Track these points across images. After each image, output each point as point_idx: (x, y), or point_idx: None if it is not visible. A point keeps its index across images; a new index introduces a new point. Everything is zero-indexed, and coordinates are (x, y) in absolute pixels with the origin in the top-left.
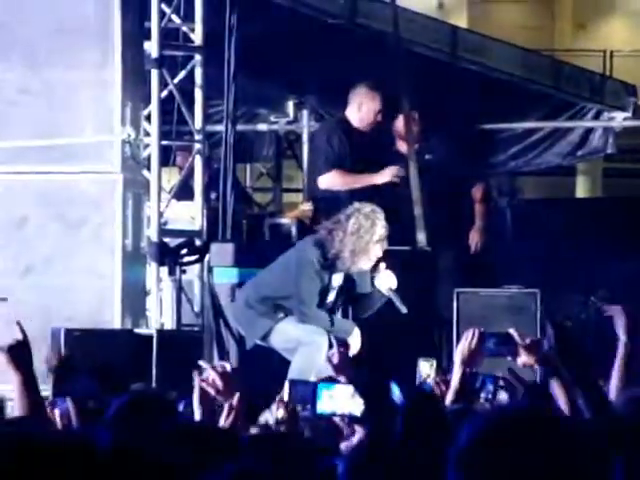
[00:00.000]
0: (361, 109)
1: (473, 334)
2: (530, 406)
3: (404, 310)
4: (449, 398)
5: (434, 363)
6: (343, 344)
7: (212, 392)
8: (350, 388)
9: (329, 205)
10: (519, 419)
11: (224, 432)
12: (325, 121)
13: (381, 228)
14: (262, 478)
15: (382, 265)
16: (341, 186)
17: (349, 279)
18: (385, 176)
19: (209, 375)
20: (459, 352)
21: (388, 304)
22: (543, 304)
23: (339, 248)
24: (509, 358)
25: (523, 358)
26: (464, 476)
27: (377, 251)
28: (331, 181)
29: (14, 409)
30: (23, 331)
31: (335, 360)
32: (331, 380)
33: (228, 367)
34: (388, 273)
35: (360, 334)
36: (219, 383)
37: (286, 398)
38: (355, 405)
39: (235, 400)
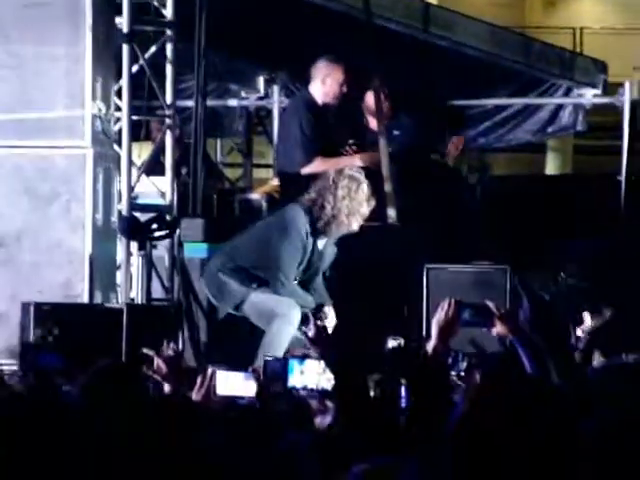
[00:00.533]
0: (325, 83)
1: (449, 304)
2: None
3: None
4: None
5: (402, 342)
6: (320, 317)
7: (159, 378)
8: (321, 363)
9: (303, 182)
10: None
11: (195, 404)
12: (292, 101)
13: (366, 187)
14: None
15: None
16: (320, 171)
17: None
18: (365, 161)
19: (156, 362)
20: (435, 322)
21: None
22: (513, 280)
23: (333, 213)
24: (484, 329)
25: (498, 328)
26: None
27: (366, 210)
28: (314, 169)
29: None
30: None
31: (311, 333)
32: (303, 356)
33: (171, 352)
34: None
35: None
36: (163, 368)
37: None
38: (326, 380)
39: (208, 374)
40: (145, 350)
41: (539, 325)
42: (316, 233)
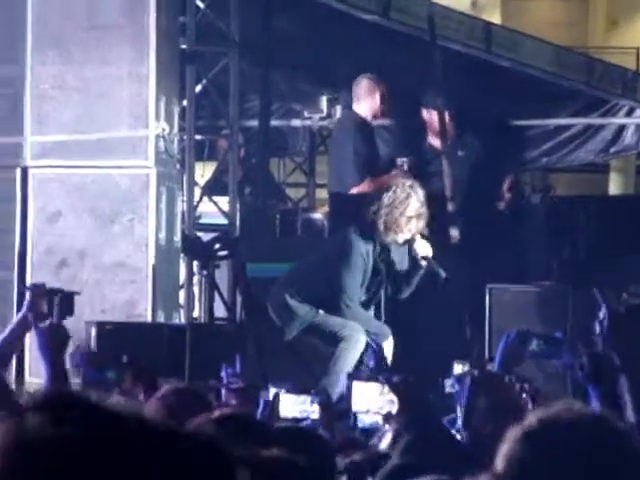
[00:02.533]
0: (369, 99)
1: (517, 334)
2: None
3: (443, 274)
4: None
5: (468, 365)
6: (378, 346)
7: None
8: (380, 386)
9: (353, 202)
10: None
11: (259, 423)
12: (340, 122)
13: (416, 202)
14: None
15: (417, 235)
16: (369, 191)
17: (388, 259)
18: (398, 178)
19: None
20: (499, 353)
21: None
22: (574, 300)
23: (372, 219)
24: (554, 361)
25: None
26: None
27: (411, 225)
28: (364, 189)
29: None
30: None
31: (371, 363)
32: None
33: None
34: (423, 242)
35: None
36: (233, 402)
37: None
38: (387, 402)
39: (270, 395)
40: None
41: (615, 340)
42: (373, 244)
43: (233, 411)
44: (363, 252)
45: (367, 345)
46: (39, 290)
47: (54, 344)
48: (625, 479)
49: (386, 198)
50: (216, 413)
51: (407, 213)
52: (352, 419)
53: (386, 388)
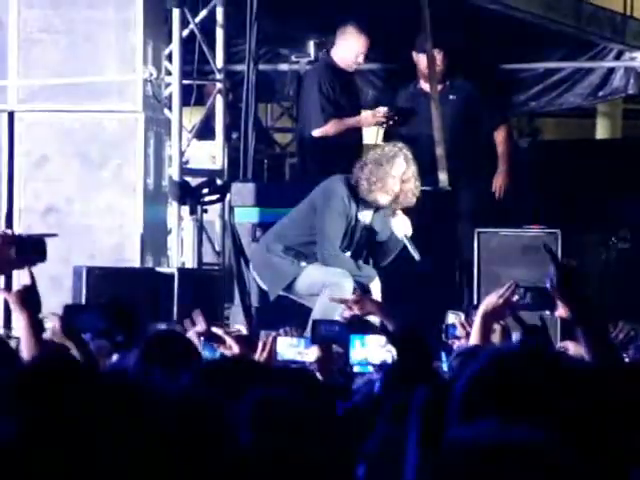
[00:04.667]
0: (345, 48)
1: (507, 289)
2: (527, 346)
3: (417, 257)
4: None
5: (462, 316)
6: (363, 291)
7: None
8: (381, 338)
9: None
10: (517, 357)
11: (258, 364)
12: (314, 65)
13: (402, 162)
14: (286, 405)
15: (398, 210)
16: (333, 134)
17: (369, 227)
18: (369, 120)
19: (227, 341)
20: (484, 304)
21: (405, 253)
22: (563, 244)
23: (358, 175)
24: (547, 312)
25: (561, 311)
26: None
27: (394, 186)
28: (327, 131)
29: (22, 349)
30: (32, 276)
31: (346, 315)
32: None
33: (243, 330)
34: (404, 218)
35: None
36: (235, 349)
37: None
38: (387, 354)
39: (269, 339)
40: (215, 329)
41: (564, 295)
42: (355, 202)
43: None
44: (346, 201)
45: (354, 290)
46: (6, 238)
47: (24, 300)
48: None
49: (374, 153)
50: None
51: (392, 172)
52: (350, 368)
53: (383, 339)
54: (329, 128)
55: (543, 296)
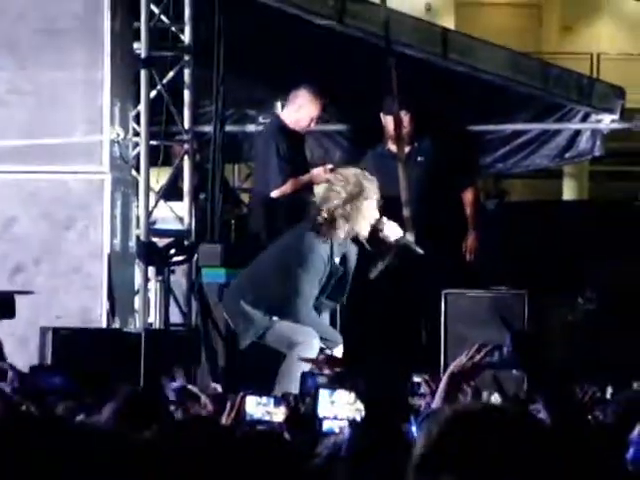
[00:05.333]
0: (300, 111)
1: (475, 351)
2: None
3: (420, 251)
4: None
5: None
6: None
7: (204, 413)
8: (351, 394)
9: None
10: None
11: (225, 428)
12: (265, 127)
13: (371, 186)
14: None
15: (384, 218)
16: (290, 192)
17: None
18: (322, 176)
19: (202, 400)
20: (453, 365)
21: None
22: (530, 305)
23: (330, 216)
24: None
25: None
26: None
27: (374, 213)
28: (283, 191)
29: None
30: None
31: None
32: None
33: (219, 389)
34: (392, 224)
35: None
36: (210, 407)
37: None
38: (355, 411)
39: (237, 399)
40: (191, 387)
41: (521, 361)
42: (332, 251)
43: (196, 415)
44: (324, 255)
45: (320, 350)
46: None
47: None
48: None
49: (342, 191)
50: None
51: (369, 200)
52: (317, 424)
53: (353, 396)
54: (287, 188)
55: (511, 355)
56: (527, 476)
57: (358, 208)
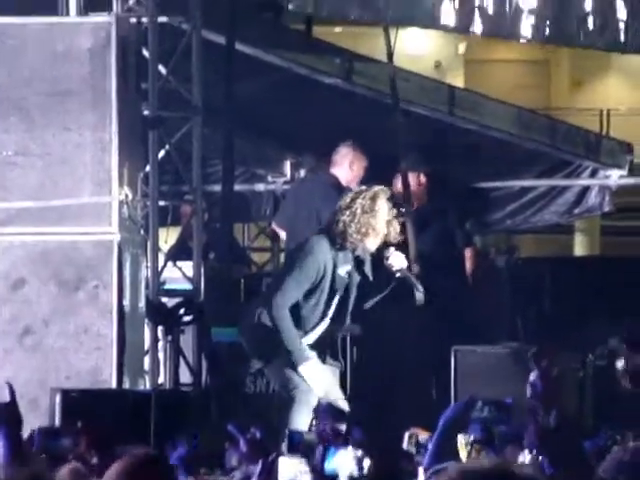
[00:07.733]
0: (352, 168)
1: (465, 404)
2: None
3: (420, 288)
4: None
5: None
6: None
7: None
8: (351, 451)
9: None
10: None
11: None
12: (317, 186)
13: (385, 203)
14: None
15: (391, 247)
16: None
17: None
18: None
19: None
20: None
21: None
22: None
23: (344, 228)
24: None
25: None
26: None
27: (383, 229)
28: None
29: None
30: (12, 393)
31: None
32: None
33: (258, 435)
34: (398, 254)
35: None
36: (244, 449)
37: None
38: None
39: (269, 460)
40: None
41: (549, 402)
42: (336, 260)
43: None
44: (320, 261)
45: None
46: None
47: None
48: None
49: (357, 208)
50: None
51: (379, 216)
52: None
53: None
54: None
55: (501, 410)
56: None
57: (369, 223)
